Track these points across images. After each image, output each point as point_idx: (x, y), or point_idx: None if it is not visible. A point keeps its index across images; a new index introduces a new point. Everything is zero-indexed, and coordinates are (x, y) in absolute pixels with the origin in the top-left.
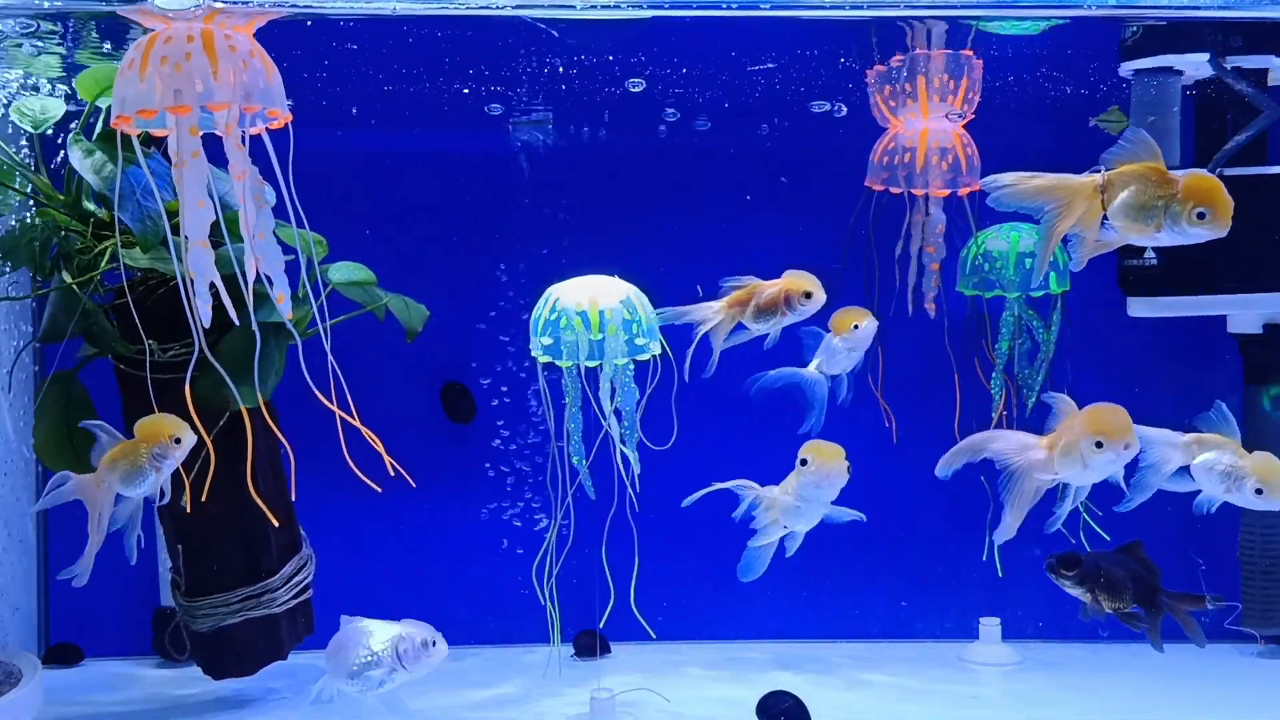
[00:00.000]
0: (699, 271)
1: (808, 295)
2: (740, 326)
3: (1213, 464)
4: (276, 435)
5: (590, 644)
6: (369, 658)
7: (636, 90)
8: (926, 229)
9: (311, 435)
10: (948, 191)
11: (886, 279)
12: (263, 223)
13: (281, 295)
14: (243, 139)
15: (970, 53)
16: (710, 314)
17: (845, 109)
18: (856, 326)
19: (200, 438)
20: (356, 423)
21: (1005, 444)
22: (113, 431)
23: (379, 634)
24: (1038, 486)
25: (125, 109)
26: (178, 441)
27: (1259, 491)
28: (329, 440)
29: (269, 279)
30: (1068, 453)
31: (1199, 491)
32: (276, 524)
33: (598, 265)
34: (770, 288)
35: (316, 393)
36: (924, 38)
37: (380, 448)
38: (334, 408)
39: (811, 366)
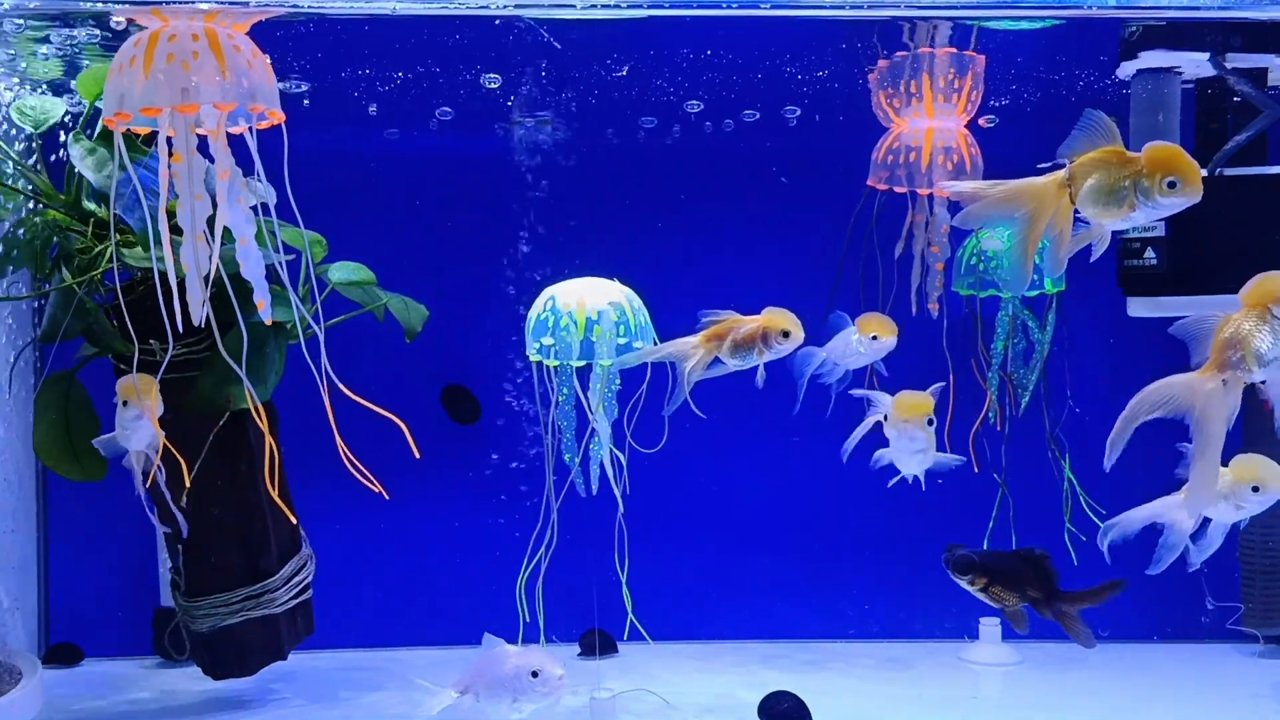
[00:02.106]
0: (702, 271)
1: (785, 334)
2: (717, 361)
3: None
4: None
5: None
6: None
7: (639, 91)
8: (931, 228)
9: (311, 435)
10: None
11: (886, 278)
12: (245, 226)
13: (262, 301)
14: (229, 138)
15: (974, 53)
16: (688, 349)
17: (846, 108)
18: (875, 337)
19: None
20: (392, 416)
21: (1164, 392)
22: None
23: (533, 662)
24: (1227, 414)
25: (125, 106)
26: (125, 404)
27: (1255, 489)
28: (328, 440)
29: (266, 276)
30: (1257, 331)
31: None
32: (295, 521)
33: (600, 265)
34: (749, 323)
35: (347, 390)
36: (927, 36)
37: (408, 433)
38: (354, 399)
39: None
